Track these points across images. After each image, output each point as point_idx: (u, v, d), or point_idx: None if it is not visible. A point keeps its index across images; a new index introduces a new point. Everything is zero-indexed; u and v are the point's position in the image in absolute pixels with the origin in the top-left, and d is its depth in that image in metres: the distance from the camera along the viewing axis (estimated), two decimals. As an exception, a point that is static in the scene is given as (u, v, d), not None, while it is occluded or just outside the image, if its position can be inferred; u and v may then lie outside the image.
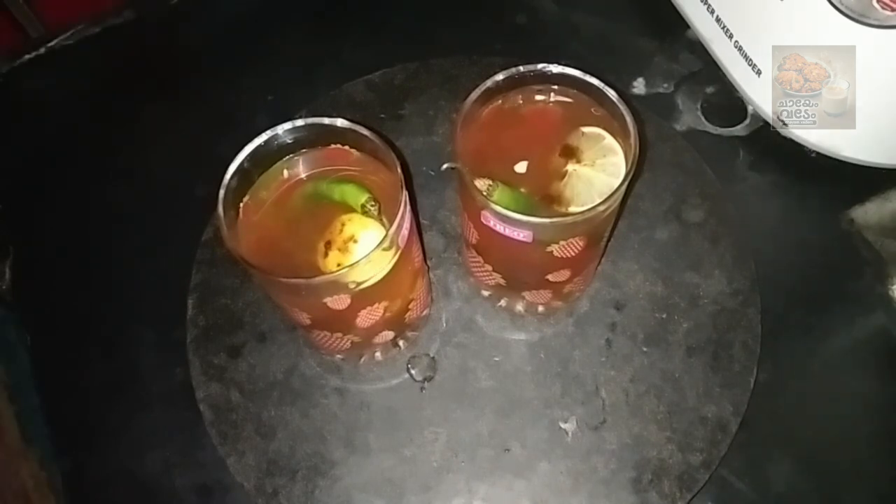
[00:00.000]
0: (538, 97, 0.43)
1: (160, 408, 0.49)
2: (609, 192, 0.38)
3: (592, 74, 0.41)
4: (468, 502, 0.45)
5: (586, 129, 0.42)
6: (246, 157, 0.39)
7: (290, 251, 0.40)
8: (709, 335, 0.49)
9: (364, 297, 0.39)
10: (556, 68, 0.41)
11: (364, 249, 0.37)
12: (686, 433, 0.46)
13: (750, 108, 0.59)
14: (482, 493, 0.45)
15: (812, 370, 0.50)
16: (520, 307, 0.50)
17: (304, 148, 0.41)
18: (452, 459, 0.46)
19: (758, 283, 0.51)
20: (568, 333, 0.50)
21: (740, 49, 0.56)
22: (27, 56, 0.64)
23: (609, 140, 0.41)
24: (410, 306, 0.45)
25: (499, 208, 0.37)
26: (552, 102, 0.43)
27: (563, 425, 0.47)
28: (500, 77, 0.41)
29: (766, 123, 0.57)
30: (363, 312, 0.41)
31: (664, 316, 0.50)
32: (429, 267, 0.51)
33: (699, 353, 0.49)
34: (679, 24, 0.62)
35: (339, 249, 0.38)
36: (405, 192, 0.38)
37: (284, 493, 0.45)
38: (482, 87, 0.40)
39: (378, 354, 0.49)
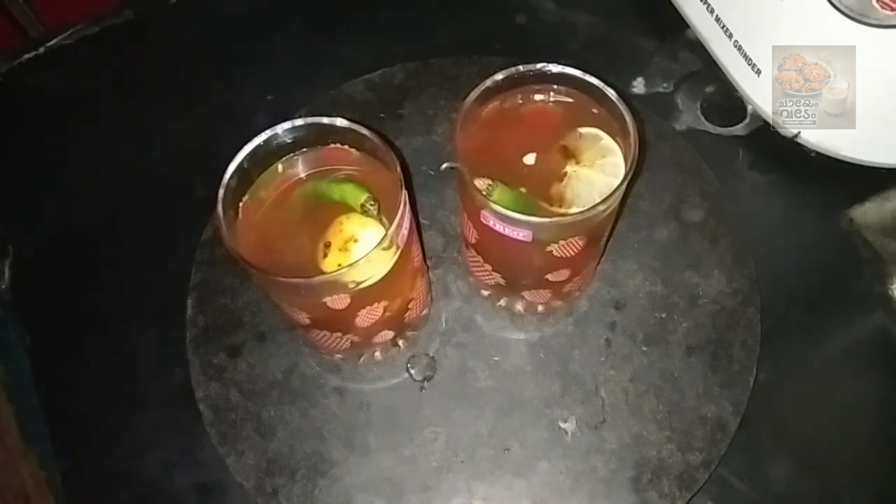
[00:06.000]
0: (538, 97, 0.43)
1: (160, 408, 0.49)
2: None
3: (592, 74, 0.41)
4: (468, 502, 0.45)
5: (584, 130, 0.42)
6: (245, 157, 0.39)
7: (290, 251, 0.40)
8: (708, 335, 0.49)
9: (364, 296, 0.39)
10: (556, 68, 0.41)
11: (364, 249, 0.37)
12: (686, 433, 0.46)
13: (750, 107, 0.59)
14: (482, 493, 0.45)
15: (812, 370, 0.50)
16: (519, 307, 0.50)
17: (303, 147, 0.41)
18: (452, 459, 0.46)
19: (758, 282, 0.51)
20: (568, 333, 0.50)
21: (740, 49, 0.56)
22: (27, 56, 0.64)
23: (607, 140, 0.41)
24: (410, 306, 0.45)
25: (498, 208, 0.37)
26: (552, 102, 0.43)
27: (562, 425, 0.47)
28: (499, 77, 0.41)
29: (766, 123, 0.57)
30: (363, 312, 0.41)
31: (664, 315, 0.50)
32: (428, 267, 0.51)
33: (699, 353, 0.49)
34: (679, 23, 0.62)
35: (339, 249, 0.38)
36: (405, 192, 0.38)
37: (284, 493, 0.45)
38: (482, 87, 0.40)
39: (378, 354, 0.49)
